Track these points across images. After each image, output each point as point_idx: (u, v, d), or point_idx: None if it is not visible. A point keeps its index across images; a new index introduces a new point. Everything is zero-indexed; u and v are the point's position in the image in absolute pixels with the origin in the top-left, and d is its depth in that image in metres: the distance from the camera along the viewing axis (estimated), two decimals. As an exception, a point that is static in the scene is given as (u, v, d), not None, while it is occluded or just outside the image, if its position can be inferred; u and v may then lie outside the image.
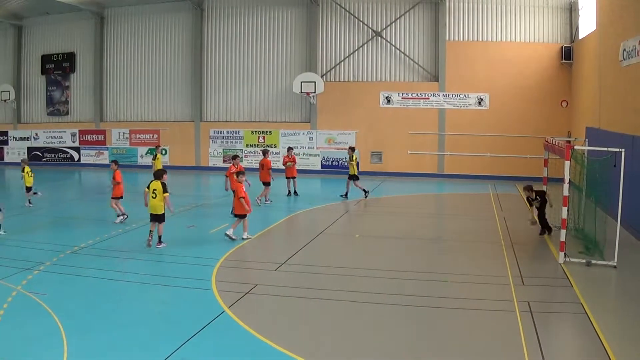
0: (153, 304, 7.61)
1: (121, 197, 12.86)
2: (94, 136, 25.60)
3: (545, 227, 11.21)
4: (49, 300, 7.51)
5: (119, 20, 25.07)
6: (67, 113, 26.44)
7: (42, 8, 25.93)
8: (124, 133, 24.77)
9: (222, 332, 6.50)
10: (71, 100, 26.32)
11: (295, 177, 16.25)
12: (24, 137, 27.44)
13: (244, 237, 10.77)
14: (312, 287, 8.17)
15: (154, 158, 17.74)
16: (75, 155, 26.05)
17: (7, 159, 27.79)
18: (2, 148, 28.03)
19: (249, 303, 7.51)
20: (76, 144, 26.00)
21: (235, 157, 14.20)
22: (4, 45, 27.76)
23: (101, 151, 25.40)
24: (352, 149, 16.26)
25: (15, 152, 27.65)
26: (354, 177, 15.62)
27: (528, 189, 11.04)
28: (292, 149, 16.91)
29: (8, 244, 10.82)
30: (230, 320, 6.84)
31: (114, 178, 12.87)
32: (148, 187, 10.42)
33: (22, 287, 8.18)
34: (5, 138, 27.95)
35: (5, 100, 27.04)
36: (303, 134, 21.26)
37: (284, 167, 16.19)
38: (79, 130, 25.86)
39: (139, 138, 24.43)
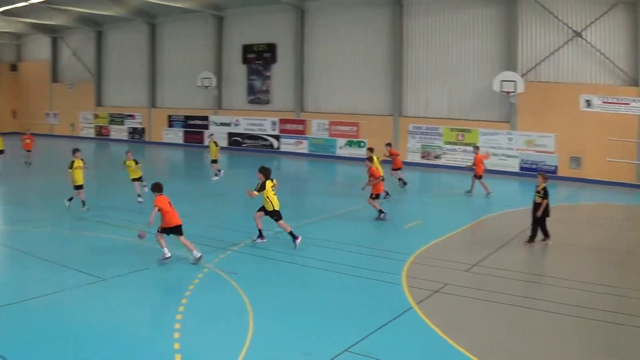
0: (341, 293, 10.87)
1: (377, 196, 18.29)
2: (293, 125, 38.02)
3: (543, 233, 15.18)
4: (239, 280, 11.27)
5: (318, 13, 36.36)
6: (267, 102, 39.12)
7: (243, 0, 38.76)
8: (323, 124, 36.84)
9: (407, 328, 9.09)
10: (272, 90, 38.94)
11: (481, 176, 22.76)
12: (225, 123, 41.08)
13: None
14: (501, 292, 10.86)
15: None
16: (275, 143, 38.99)
17: (206, 143, 41.75)
18: (203, 132, 42.15)
19: (437, 301, 10.34)
20: (276, 132, 38.87)
21: (370, 158, 19.36)
22: (205, 35, 41.25)
23: (300, 140, 37.91)
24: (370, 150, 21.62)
25: (215, 136, 41.50)
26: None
27: (543, 176, 15.60)
28: (478, 148, 24.62)
29: (205, 223, 16.31)
30: (416, 317, 9.49)
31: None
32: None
33: (214, 265, 12.35)
34: (206, 122, 42.07)
35: (207, 87, 40.73)
36: (502, 134, 31.09)
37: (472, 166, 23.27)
38: (280, 119, 38.58)
39: (338, 129, 36.30)
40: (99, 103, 49.10)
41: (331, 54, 36.17)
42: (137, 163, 20.48)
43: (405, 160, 32.30)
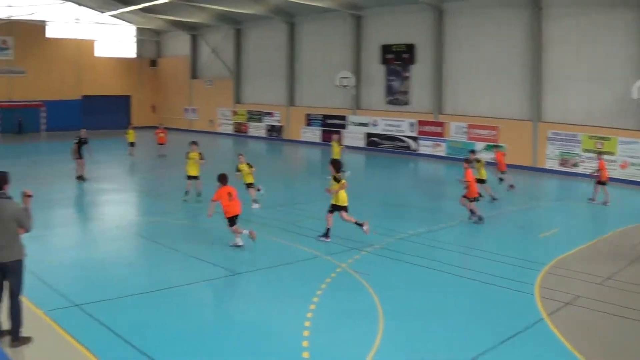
0: (470, 299, 12.68)
1: (474, 199, 20.61)
2: (432, 127, 44.68)
3: None
4: (372, 281, 13.47)
5: (457, 14, 41.81)
6: (406, 103, 45.92)
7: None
8: (462, 127, 43.69)
9: (537, 340, 10.58)
10: (410, 91, 45.76)
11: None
12: (363, 123, 48.83)
13: None
14: (634, 308, 12.18)
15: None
16: (412, 145, 46.37)
17: (344, 142, 49.60)
18: (340, 132, 50.20)
19: (568, 314, 11.86)
20: (414, 134, 45.97)
21: (469, 160, 22.23)
22: (344, 34, 48.62)
23: (438, 143, 45.02)
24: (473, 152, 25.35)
25: (353, 136, 49.40)
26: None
27: None
28: (602, 154, 29.22)
29: (341, 222, 18.07)
30: (547, 329, 11.00)
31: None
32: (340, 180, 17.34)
33: (347, 265, 14.80)
34: (344, 122, 50.13)
35: (345, 87, 48.63)
36: (641, 142, 36.56)
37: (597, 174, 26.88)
38: (418, 121, 45.66)
39: (477, 133, 42.93)
40: (237, 100, 57.95)
41: (470, 55, 41.78)
42: (250, 167, 22.72)
43: (543, 167, 38.35)
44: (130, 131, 41.01)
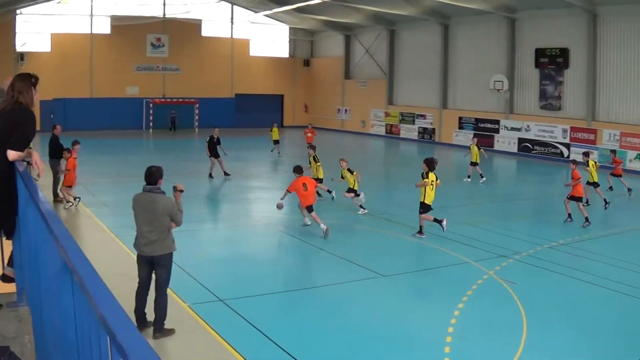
0: (616, 312, 13.29)
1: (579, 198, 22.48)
2: (584, 134, 47.41)
3: None
4: (518, 290, 14.12)
5: (611, 18, 43.20)
6: (559, 108, 48.06)
7: (535, 2, 48.81)
8: (614, 134, 46.12)
9: None
10: (564, 96, 48.12)
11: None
12: (515, 128, 51.77)
13: None
14: None
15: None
16: (565, 152, 49.01)
17: (496, 147, 53.09)
18: (493, 136, 53.79)
19: None
20: (567, 141, 48.63)
21: (575, 161, 24.51)
22: (498, 36, 51.48)
23: (591, 150, 47.55)
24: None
25: (505, 141, 52.61)
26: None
27: None
28: None
29: (488, 228, 20.14)
30: None
31: None
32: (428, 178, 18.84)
33: (494, 273, 15.44)
34: (497, 127, 53.45)
35: (498, 90, 51.56)
36: None
37: None
38: (570, 127, 48.25)
39: (629, 142, 45.39)
40: (390, 101, 61.80)
41: (623, 61, 43.47)
42: (352, 172, 23.83)
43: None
44: (275, 129, 45.34)
